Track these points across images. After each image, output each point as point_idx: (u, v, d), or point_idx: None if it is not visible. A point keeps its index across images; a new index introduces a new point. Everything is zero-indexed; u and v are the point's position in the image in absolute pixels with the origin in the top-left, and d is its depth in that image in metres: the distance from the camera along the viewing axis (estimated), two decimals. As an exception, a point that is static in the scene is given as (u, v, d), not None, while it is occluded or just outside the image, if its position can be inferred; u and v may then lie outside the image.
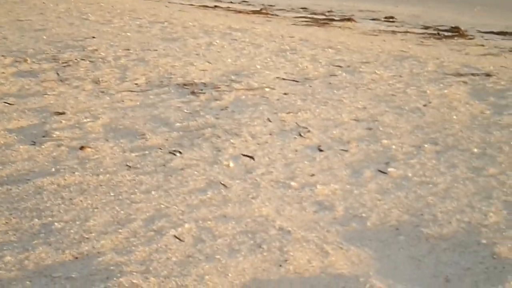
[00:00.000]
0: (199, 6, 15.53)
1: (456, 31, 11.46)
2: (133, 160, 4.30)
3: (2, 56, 7.72)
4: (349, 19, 13.29)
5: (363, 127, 5.19)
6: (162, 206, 3.58)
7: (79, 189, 3.81)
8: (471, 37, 10.99)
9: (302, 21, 12.72)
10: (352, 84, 6.75)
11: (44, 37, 9.25)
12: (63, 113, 5.36)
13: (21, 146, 4.50)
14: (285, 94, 6.26)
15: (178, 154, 4.42)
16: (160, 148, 4.54)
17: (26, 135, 4.76)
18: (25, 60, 7.47)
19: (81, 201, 3.64)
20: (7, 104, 5.61)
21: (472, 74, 7.29)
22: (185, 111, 5.58)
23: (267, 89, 6.41)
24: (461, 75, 7.28)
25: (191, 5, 15.89)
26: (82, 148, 4.47)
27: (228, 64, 7.68)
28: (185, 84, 6.59)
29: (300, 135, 4.94)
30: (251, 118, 5.38)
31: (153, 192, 3.77)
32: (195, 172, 4.10)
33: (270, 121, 5.29)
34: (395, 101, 6.05)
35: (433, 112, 5.69)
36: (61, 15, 11.78)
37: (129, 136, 4.80)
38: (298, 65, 7.67)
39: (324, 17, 13.79)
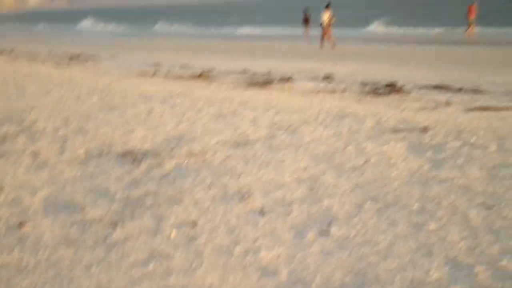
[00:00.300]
0: (138, 73, 15.55)
1: (393, 87, 11.73)
2: (73, 234, 4.22)
3: None
4: (288, 80, 13.50)
5: (305, 187, 5.22)
6: (104, 281, 3.51)
7: (17, 268, 3.71)
8: (408, 92, 11.25)
9: (242, 84, 12.84)
10: (292, 145, 6.81)
11: (-18, 111, 9.13)
12: (0, 189, 5.25)
13: (-45, 227, 4.38)
14: (226, 158, 6.28)
15: (119, 226, 4.36)
16: (101, 221, 4.47)
17: (-38, 215, 4.64)
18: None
19: (20, 280, 3.54)
20: None
21: (409, 130, 7.45)
22: (126, 181, 5.53)
23: (208, 154, 6.43)
24: (398, 131, 7.42)
25: (130, 72, 15.92)
26: (20, 224, 4.37)
27: (168, 130, 7.69)
28: (125, 153, 6.55)
29: (243, 199, 4.94)
30: (193, 184, 5.37)
31: (94, 267, 3.70)
32: (137, 244, 4.05)
33: (212, 186, 5.28)
34: (335, 160, 6.13)
35: (373, 169, 5.77)
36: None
37: (69, 210, 4.72)
38: (238, 128, 7.72)
39: (263, 78, 13.95)
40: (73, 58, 21.49)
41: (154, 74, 15.29)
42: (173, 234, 4.21)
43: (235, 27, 49.58)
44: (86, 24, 72.36)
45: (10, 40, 37.34)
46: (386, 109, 9.26)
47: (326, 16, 26.69)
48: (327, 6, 26.80)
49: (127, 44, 34.84)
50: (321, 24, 26.85)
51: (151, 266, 3.71)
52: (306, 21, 35.03)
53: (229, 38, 37.71)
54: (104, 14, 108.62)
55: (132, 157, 6.38)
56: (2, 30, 61.58)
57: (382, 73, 14.61)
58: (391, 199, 4.87)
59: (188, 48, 29.41)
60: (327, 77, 14.12)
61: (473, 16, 32.09)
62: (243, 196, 5.01)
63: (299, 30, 36.38)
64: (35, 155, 6.52)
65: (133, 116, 8.71)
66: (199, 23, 61.76)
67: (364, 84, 12.82)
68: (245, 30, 47.19)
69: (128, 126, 7.93)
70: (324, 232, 4.23)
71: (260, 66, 17.06)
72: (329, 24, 26.71)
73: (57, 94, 10.82)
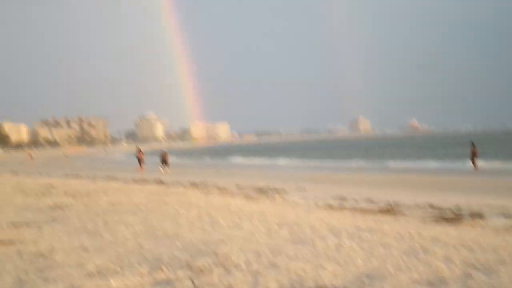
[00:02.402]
0: (325, 206, 15.74)
1: None
2: None
3: (139, 264, 8.02)
4: (478, 215, 13.02)
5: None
6: None
7: None
8: None
9: (431, 219, 12.55)
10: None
11: (178, 243, 9.58)
12: (199, 323, 5.41)
13: None
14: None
15: None
16: None
17: None
18: (161, 269, 7.72)
19: None
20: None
21: None
22: (320, 318, 5.49)
23: (402, 293, 6.26)
24: None
25: (316, 205, 16.16)
26: None
27: (359, 266, 7.61)
28: (317, 290, 6.54)
29: None
30: (388, 324, 5.21)
31: None
32: None
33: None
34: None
35: None
36: (192, 221, 12.26)
37: None
38: (431, 266, 7.49)
39: (450, 213, 13.56)
40: (261, 191, 22.22)
41: (340, 207, 15.38)
42: None
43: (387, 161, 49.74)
44: (237, 159, 76.20)
45: (201, 174, 39.43)
46: None
47: None
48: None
49: (312, 176, 35.56)
50: None
51: None
52: (474, 154, 37.33)
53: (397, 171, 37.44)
54: (291, 150, 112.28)
55: (324, 295, 6.36)
56: (193, 164, 65.36)
57: None
58: None
59: (369, 182, 29.46)
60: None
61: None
62: None
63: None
64: (230, 289, 6.69)
65: (323, 250, 8.75)
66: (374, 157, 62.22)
67: None
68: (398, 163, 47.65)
69: (318, 261, 7.96)
70: None
71: (447, 200, 16.64)
72: None
73: (248, 227, 11.15)
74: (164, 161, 45.95)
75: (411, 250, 8.60)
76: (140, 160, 48.20)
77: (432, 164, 46.47)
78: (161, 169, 44.73)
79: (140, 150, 49.61)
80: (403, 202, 16.40)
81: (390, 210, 14.49)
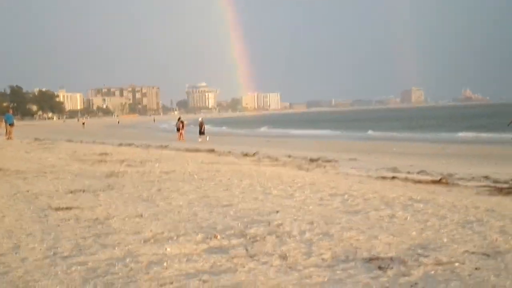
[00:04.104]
0: (377, 177, 15.67)
1: None
2: None
3: (194, 232, 8.15)
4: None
5: None
6: None
7: None
8: None
9: (486, 190, 12.39)
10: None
11: (231, 212, 9.68)
12: (254, 291, 5.49)
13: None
14: (476, 269, 6.03)
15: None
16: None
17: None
18: (215, 237, 7.83)
19: None
20: (201, 281, 5.85)
21: None
22: (374, 287, 5.51)
23: (456, 264, 6.22)
24: None
25: (369, 176, 16.09)
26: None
27: (413, 237, 7.58)
28: (371, 259, 6.55)
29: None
30: (443, 295, 5.20)
31: None
32: None
33: (463, 298, 5.09)
34: None
35: None
36: (245, 190, 12.35)
37: (321, 315, 4.79)
38: (487, 238, 7.41)
39: (508, 185, 13.35)
40: (312, 161, 22.22)
41: (393, 178, 15.28)
42: None
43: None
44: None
45: (252, 143, 39.56)
46: None
47: None
48: None
49: (364, 147, 35.39)
50: None
51: None
52: None
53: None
54: (342, 121, 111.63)
55: (378, 263, 6.36)
56: (243, 134, 65.60)
57: None
58: None
59: (422, 153, 29.16)
60: None
61: None
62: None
63: None
64: (284, 257, 6.74)
65: (376, 220, 8.74)
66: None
67: None
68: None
69: (372, 231, 7.96)
70: None
71: (502, 173, 16.39)
72: None
73: (300, 197, 11.18)
74: (201, 131, 47.60)
75: (465, 221, 8.51)
76: (180, 130, 48.90)
77: (487, 135, 45.66)
78: (199, 139, 46.01)
79: (180, 120, 50.16)
80: (457, 173, 16.22)
81: (444, 181, 14.34)
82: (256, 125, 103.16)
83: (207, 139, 45.94)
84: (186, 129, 50.36)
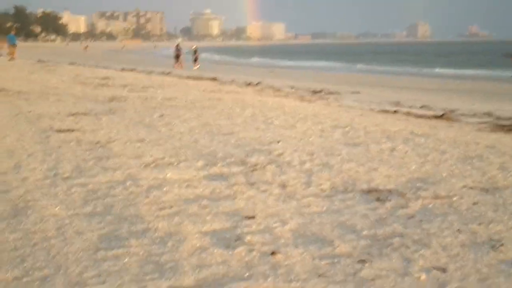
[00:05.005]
0: (379, 110, 15.64)
1: None
2: (323, 268, 4.31)
3: (194, 159, 8.18)
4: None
5: None
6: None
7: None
8: None
9: (487, 127, 12.36)
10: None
11: (232, 141, 9.70)
12: (253, 218, 5.53)
13: (215, 250, 4.66)
14: (474, 204, 6.06)
15: (367, 263, 4.38)
16: (349, 256, 4.52)
17: (219, 239, 4.93)
18: (216, 164, 7.86)
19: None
20: (200, 206, 5.90)
21: None
22: (372, 218, 5.55)
23: (455, 198, 6.26)
24: None
25: (371, 109, 16.05)
26: (273, 253, 4.55)
27: (412, 170, 7.61)
28: (370, 190, 6.59)
29: (494, 248, 4.73)
30: (440, 228, 5.24)
31: (346, 303, 3.74)
32: (386, 283, 4.03)
33: (460, 232, 5.13)
34: None
35: None
36: (247, 119, 12.34)
37: (317, 243, 4.83)
38: (486, 174, 7.43)
39: (510, 123, 13.32)
40: (315, 93, 22.15)
41: (395, 112, 15.25)
42: (423, 277, 4.14)
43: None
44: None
45: (255, 73, 39.32)
46: None
47: None
48: None
49: (367, 80, 35.24)
50: None
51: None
52: None
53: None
54: (346, 53, 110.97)
55: (376, 195, 6.40)
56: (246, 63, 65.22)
57: None
58: None
59: (426, 88, 29.06)
60: None
61: None
62: (494, 245, 4.79)
63: None
64: (283, 186, 6.78)
65: (377, 153, 8.75)
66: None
67: None
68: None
69: (371, 164, 7.98)
70: None
71: (506, 110, 16.34)
72: None
73: (302, 128, 11.18)
74: (195, 58, 48.15)
75: (465, 157, 8.52)
76: (178, 57, 48.66)
77: (491, 72, 45.34)
78: (194, 66, 46.26)
79: (178, 47, 49.78)
80: (459, 109, 16.17)
81: (446, 116, 14.31)
82: (260, 55, 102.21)
83: (198, 67, 46.10)
84: (184, 57, 50.09)
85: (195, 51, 49.68)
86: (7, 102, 14.93)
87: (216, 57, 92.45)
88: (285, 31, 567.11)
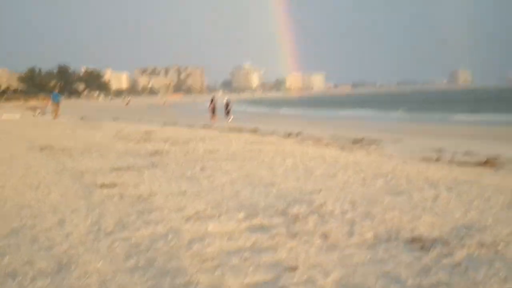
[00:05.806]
0: (422, 158, 15.48)
1: None
2: (367, 319, 4.24)
3: (236, 210, 8.19)
4: None
5: None
6: None
7: None
8: None
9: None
10: None
11: (273, 191, 9.69)
12: (295, 269, 5.49)
13: (257, 302, 4.63)
14: (521, 251, 5.93)
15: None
16: (394, 307, 4.45)
17: (262, 291, 4.91)
18: (257, 215, 7.85)
19: None
20: (242, 259, 5.88)
21: None
22: (416, 268, 5.46)
23: (500, 246, 6.13)
24: None
25: (413, 157, 15.90)
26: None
27: (457, 218, 7.49)
28: (413, 239, 6.50)
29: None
30: (486, 276, 5.13)
31: None
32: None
33: (507, 280, 5.01)
34: None
35: None
36: (288, 170, 12.34)
37: (361, 294, 4.77)
38: (533, 220, 7.28)
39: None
40: (356, 142, 22.07)
41: (438, 159, 15.09)
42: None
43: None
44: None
45: (295, 123, 39.45)
46: None
47: None
48: None
49: (408, 128, 35.05)
50: None
51: None
52: None
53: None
54: (387, 102, 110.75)
55: (421, 243, 6.31)
56: (287, 114, 65.45)
57: None
58: None
59: (469, 134, 28.75)
60: None
61: None
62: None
63: None
64: (325, 236, 6.73)
65: (420, 201, 8.65)
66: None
67: None
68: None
69: (415, 212, 7.89)
70: None
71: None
72: None
73: (343, 177, 11.12)
74: (227, 111, 48.21)
75: (510, 204, 8.37)
76: (213, 110, 48.58)
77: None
78: (227, 120, 46.41)
79: (213, 101, 49.64)
80: (504, 155, 15.91)
81: (489, 163, 14.10)
82: (300, 105, 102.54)
83: (231, 119, 46.11)
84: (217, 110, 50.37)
85: (227, 105, 49.85)
86: (51, 159, 15.21)
87: (256, 108, 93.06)
88: (325, 81, 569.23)
